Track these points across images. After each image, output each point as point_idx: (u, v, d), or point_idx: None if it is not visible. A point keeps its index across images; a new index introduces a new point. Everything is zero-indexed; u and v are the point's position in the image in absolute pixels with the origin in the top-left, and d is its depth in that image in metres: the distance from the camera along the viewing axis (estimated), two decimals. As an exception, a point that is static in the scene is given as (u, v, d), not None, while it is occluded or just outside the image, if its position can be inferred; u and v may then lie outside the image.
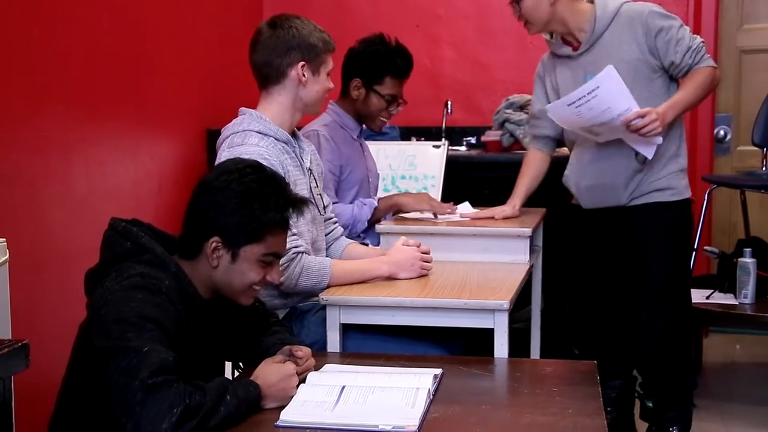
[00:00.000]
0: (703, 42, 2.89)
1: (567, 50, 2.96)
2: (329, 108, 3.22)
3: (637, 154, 2.85)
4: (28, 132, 2.75)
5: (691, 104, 2.92)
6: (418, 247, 2.54)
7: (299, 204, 1.95)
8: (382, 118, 3.21)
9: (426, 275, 2.51)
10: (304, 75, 2.51)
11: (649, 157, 2.82)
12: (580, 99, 2.66)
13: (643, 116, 2.69)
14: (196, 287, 1.88)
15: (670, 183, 2.91)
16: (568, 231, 3.18)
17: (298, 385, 1.85)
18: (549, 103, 2.95)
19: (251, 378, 1.81)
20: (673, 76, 2.91)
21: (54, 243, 2.86)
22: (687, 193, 2.97)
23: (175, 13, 3.76)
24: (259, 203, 1.86)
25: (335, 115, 3.19)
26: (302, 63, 2.51)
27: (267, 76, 2.54)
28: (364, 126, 3.27)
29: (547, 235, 3.37)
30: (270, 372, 1.83)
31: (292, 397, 1.82)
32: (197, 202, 1.91)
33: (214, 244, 1.87)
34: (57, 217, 2.89)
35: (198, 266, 1.90)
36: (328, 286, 2.41)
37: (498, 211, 3.07)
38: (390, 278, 2.47)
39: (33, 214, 2.76)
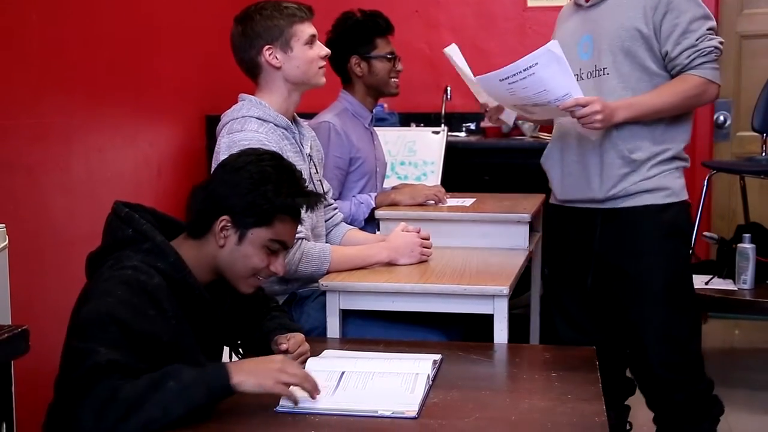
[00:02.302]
0: (716, 48, 2.43)
1: None
2: (341, 96, 3.21)
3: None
4: (28, 118, 2.75)
5: (657, 111, 2.44)
6: (418, 233, 2.54)
7: (312, 197, 1.95)
8: (393, 79, 3.19)
9: (426, 261, 2.52)
10: (276, 57, 2.49)
11: (593, 138, 2.45)
12: (513, 75, 2.29)
13: (583, 105, 2.33)
14: (199, 270, 1.88)
15: (663, 182, 2.49)
16: (548, 234, 2.85)
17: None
18: None
19: None
20: (669, 71, 2.48)
21: (54, 229, 2.86)
22: (684, 195, 2.54)
23: (174, -2, 3.75)
24: (272, 186, 1.86)
25: (347, 103, 3.18)
26: (266, 47, 2.48)
27: (249, 72, 2.55)
28: (374, 112, 3.26)
29: (545, 218, 3.36)
30: (252, 361, 1.76)
31: (270, 387, 1.68)
32: (212, 180, 1.93)
33: (222, 223, 1.87)
34: (57, 202, 2.89)
35: (204, 246, 1.90)
36: (328, 272, 2.41)
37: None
38: (390, 264, 2.47)
39: (33, 200, 2.76)
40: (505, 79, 2.31)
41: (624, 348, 2.73)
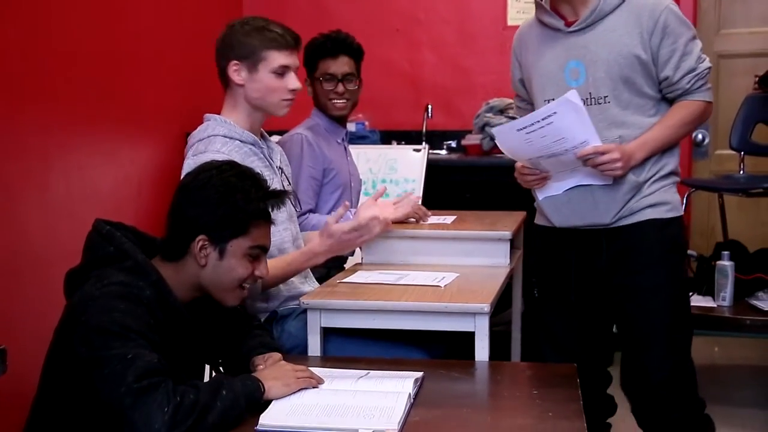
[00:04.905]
0: (709, 68, 2.46)
1: (558, 23, 2.47)
2: (313, 113, 3.24)
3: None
4: (6, 136, 2.73)
5: (669, 143, 2.47)
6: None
7: (280, 195, 1.98)
8: (333, 101, 3.17)
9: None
10: (240, 75, 2.47)
11: (609, 182, 2.43)
12: (532, 125, 2.29)
13: (602, 153, 2.33)
14: (180, 290, 1.88)
15: (665, 197, 2.49)
16: (537, 256, 2.74)
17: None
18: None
19: None
20: (664, 94, 2.47)
21: (32, 247, 2.84)
22: (681, 210, 2.55)
23: (155, 15, 3.75)
24: (241, 194, 1.88)
25: (319, 120, 3.21)
26: (234, 62, 2.47)
27: (221, 79, 2.54)
28: (355, 129, 3.27)
29: (528, 237, 3.37)
30: (268, 369, 1.89)
31: (295, 386, 1.84)
32: (179, 204, 1.92)
33: (201, 243, 1.87)
34: (36, 221, 2.86)
35: (184, 267, 1.90)
36: None
37: None
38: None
39: (11, 218, 2.74)
40: (523, 128, 2.31)
41: (606, 367, 2.72)
